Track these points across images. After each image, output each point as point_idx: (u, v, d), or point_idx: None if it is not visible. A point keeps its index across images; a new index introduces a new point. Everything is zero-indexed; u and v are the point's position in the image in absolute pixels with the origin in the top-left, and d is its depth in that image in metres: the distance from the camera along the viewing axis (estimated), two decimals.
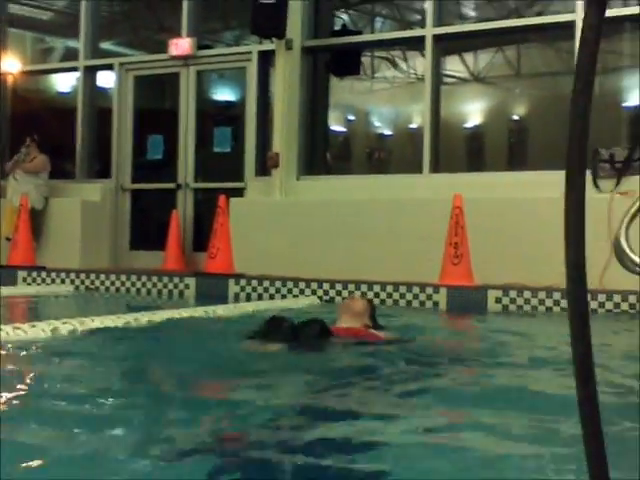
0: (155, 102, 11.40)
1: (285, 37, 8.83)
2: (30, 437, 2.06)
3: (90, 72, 10.58)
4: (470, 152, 10.13)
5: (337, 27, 9.80)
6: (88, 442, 2.02)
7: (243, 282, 7.68)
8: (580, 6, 7.85)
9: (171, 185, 9.89)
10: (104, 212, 9.93)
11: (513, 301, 6.77)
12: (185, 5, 9.87)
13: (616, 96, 8.37)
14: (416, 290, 7.07)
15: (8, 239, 9.27)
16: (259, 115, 9.44)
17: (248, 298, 7.45)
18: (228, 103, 10.69)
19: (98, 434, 2.09)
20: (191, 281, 7.92)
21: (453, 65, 9.51)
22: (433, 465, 1.92)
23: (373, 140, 10.62)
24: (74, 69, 10.64)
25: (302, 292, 7.39)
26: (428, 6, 8.72)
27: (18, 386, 2.80)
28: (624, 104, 8.51)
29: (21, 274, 8.46)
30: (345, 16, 10.17)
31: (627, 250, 1.77)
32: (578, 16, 7.83)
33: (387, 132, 10.64)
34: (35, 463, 1.81)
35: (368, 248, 7.97)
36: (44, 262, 8.94)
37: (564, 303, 6.54)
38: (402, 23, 9.91)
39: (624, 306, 6.44)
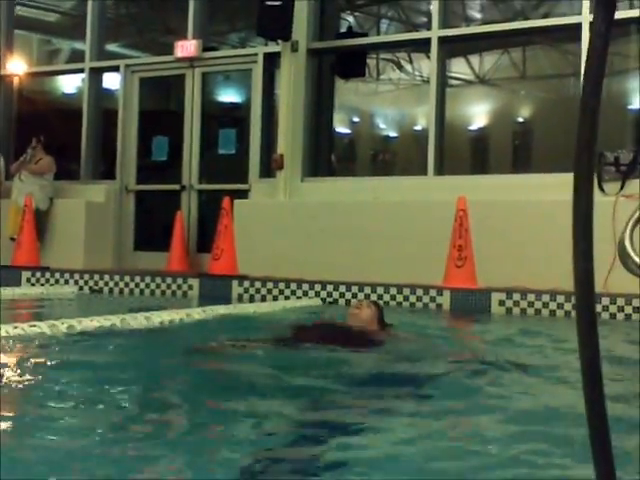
0: (160, 104, 11.42)
1: (291, 39, 8.83)
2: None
3: (96, 74, 10.60)
4: (475, 154, 10.12)
5: (343, 29, 9.80)
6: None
7: (247, 283, 7.69)
8: (586, 8, 7.84)
9: (175, 186, 9.90)
10: (108, 213, 9.95)
11: (517, 304, 6.75)
12: (191, 7, 9.89)
13: (621, 99, 8.36)
14: (420, 292, 7.07)
15: (12, 239, 9.29)
16: (264, 117, 9.45)
17: (251, 299, 7.46)
18: (233, 105, 10.70)
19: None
20: (195, 282, 7.93)
21: (458, 67, 9.50)
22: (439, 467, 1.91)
23: (378, 142, 10.61)
24: (80, 71, 10.66)
25: (305, 294, 7.39)
26: (434, 8, 8.72)
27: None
28: (629, 107, 8.50)
29: (25, 274, 8.47)
30: (351, 18, 10.17)
31: (631, 253, 1.76)
32: (584, 18, 7.82)
33: (392, 134, 10.64)
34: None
35: (372, 250, 7.97)
36: (48, 262, 8.94)
37: (568, 306, 6.53)
38: (408, 25, 9.90)
39: (628, 309, 6.42)
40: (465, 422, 2.53)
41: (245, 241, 8.24)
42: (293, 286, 7.47)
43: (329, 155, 10.00)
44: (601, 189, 7.22)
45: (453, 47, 9.00)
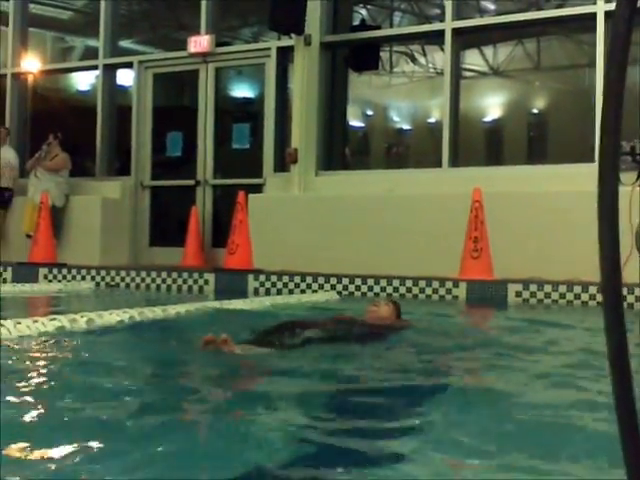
0: (174, 99, 11.45)
1: (304, 33, 8.82)
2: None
3: (110, 70, 10.64)
4: (489, 146, 10.09)
5: (356, 22, 9.78)
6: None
7: (262, 277, 7.70)
8: None
9: (190, 182, 9.93)
10: (124, 209, 9.99)
11: (533, 295, 6.74)
12: (204, 2, 9.89)
13: (637, 88, 8.29)
14: (436, 284, 7.06)
15: (29, 236, 9.35)
16: (278, 111, 9.45)
17: (267, 293, 7.47)
18: (247, 99, 10.71)
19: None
20: (210, 277, 7.95)
21: (472, 59, 9.47)
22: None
23: (392, 135, 10.59)
24: (94, 67, 10.70)
25: (321, 287, 7.40)
26: (447, 0, 8.68)
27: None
28: None
29: (42, 271, 8.52)
30: (364, 11, 10.15)
31: None
32: (599, 8, 7.77)
33: (406, 127, 10.62)
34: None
35: (387, 243, 7.96)
36: (65, 259, 9.00)
37: (585, 296, 6.51)
38: (421, 17, 9.87)
39: None
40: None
41: (260, 235, 8.25)
42: (309, 279, 7.48)
43: (343, 148, 9.99)
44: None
45: (467, 39, 8.96)
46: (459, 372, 3.32)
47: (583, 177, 6.53)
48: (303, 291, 7.36)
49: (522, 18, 8.52)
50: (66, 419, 2.22)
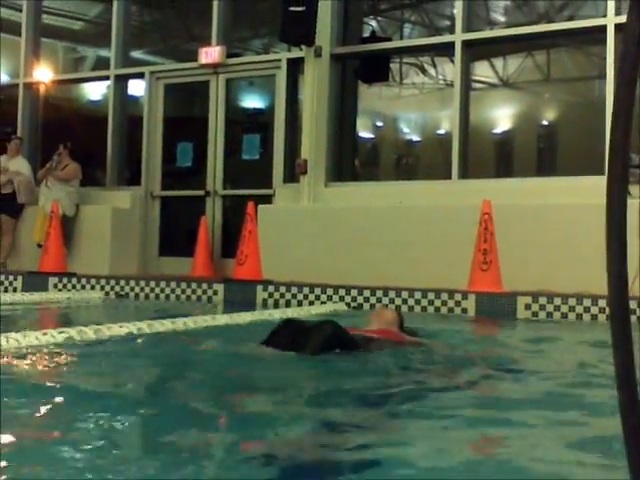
0: (185, 110, 11.49)
1: (314, 44, 8.86)
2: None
3: (121, 81, 10.70)
4: (499, 158, 10.07)
5: (366, 34, 9.80)
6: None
7: (271, 288, 7.70)
8: (611, 10, 7.79)
9: (200, 192, 9.95)
10: (134, 219, 10.03)
11: (543, 307, 6.71)
12: (215, 13, 9.95)
13: None
14: (445, 297, 7.04)
15: (40, 245, 9.39)
16: (288, 122, 9.48)
17: (276, 304, 7.46)
18: (257, 110, 10.74)
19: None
20: (220, 287, 7.96)
21: (482, 71, 9.47)
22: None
23: (401, 146, 10.60)
24: (105, 78, 10.77)
25: (330, 298, 7.39)
26: (457, 12, 8.71)
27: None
28: None
29: (52, 280, 8.55)
30: (374, 23, 10.17)
31: None
32: (609, 20, 7.77)
33: (416, 138, 10.62)
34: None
35: (396, 254, 7.95)
36: (75, 268, 9.03)
37: (594, 310, 6.48)
38: (431, 29, 9.89)
39: None
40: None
41: (269, 246, 8.26)
42: (317, 291, 7.48)
43: (353, 160, 10.00)
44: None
45: (477, 50, 8.98)
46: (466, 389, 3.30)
47: (593, 190, 6.47)
48: (312, 302, 7.35)
49: (532, 30, 8.53)
50: (71, 429, 2.22)
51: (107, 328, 4.27)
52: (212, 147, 9.94)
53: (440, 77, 9.68)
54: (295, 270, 8.14)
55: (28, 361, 3.48)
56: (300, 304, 7.36)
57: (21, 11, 11.25)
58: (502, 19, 9.47)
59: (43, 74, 11.18)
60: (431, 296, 7.08)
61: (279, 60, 9.62)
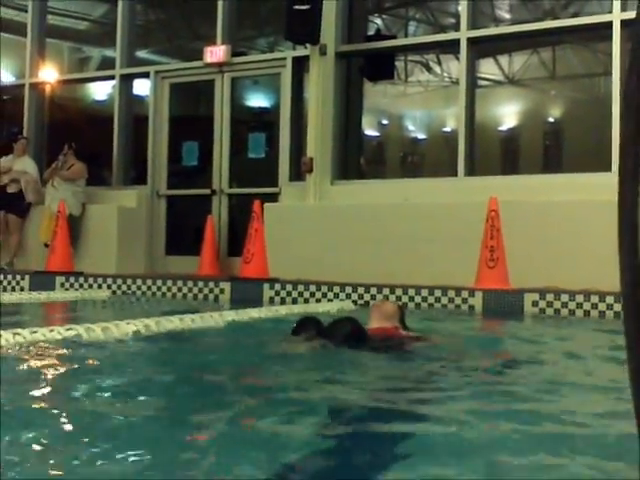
0: (190, 109, 11.50)
1: (319, 43, 8.85)
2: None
3: (126, 80, 10.71)
4: (505, 155, 10.06)
5: (371, 32, 9.80)
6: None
7: (278, 286, 7.70)
8: (617, 6, 7.77)
9: (206, 191, 9.96)
10: (140, 218, 10.04)
11: (550, 304, 6.69)
12: (220, 12, 9.95)
13: None
14: (451, 294, 7.03)
15: (46, 245, 9.41)
16: (293, 121, 9.48)
17: (283, 302, 7.46)
18: (262, 109, 10.74)
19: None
20: (226, 286, 7.96)
21: (488, 68, 9.46)
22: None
23: (407, 144, 10.59)
24: (111, 77, 10.78)
25: (336, 296, 7.38)
26: (462, 9, 8.69)
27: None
28: None
29: (59, 279, 8.56)
30: (379, 21, 10.17)
31: None
32: (615, 16, 7.75)
33: (421, 136, 10.62)
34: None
35: (403, 252, 7.95)
36: (81, 267, 9.05)
37: (602, 306, 6.46)
38: (436, 27, 9.88)
39: None
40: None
41: (275, 244, 8.26)
42: (324, 288, 7.47)
43: (358, 158, 10.00)
44: None
45: (482, 48, 8.96)
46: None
47: (599, 186, 6.49)
48: (318, 300, 7.35)
49: (538, 27, 8.51)
50: (77, 425, 2.22)
51: (115, 325, 4.28)
52: (218, 146, 9.95)
53: (445, 74, 9.67)
54: (301, 268, 8.14)
55: (34, 357, 3.49)
56: (307, 302, 7.35)
57: (26, 12, 11.27)
58: (507, 16, 9.45)
59: (49, 74, 11.21)
60: (438, 293, 7.07)
61: (284, 59, 9.62)
